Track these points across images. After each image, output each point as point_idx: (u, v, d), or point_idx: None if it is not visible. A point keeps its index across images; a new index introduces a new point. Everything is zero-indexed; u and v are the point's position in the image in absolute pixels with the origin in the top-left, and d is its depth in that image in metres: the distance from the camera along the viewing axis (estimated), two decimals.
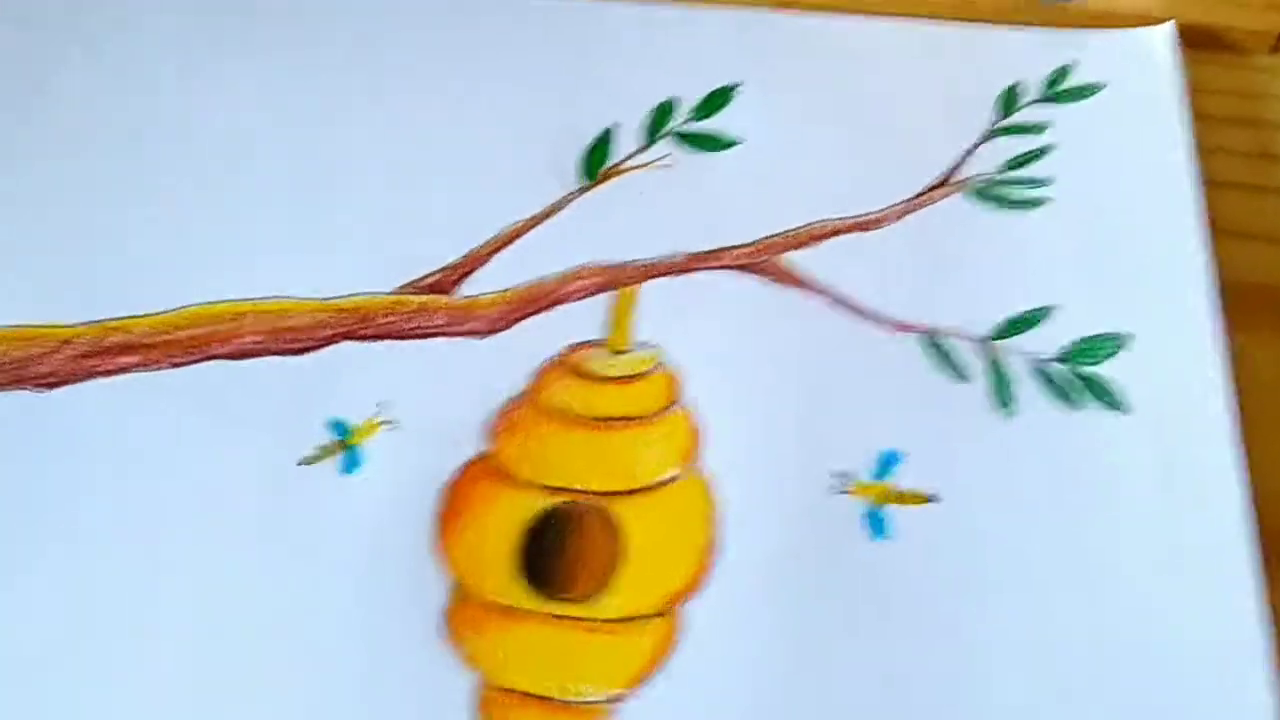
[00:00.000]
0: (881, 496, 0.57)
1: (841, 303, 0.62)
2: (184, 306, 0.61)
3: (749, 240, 0.66)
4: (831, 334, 0.61)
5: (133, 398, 0.59)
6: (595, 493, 0.56)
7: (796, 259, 0.64)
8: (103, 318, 0.63)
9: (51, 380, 0.62)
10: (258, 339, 0.62)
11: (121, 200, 0.66)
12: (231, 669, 0.53)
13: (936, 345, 0.61)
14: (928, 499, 0.57)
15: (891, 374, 0.60)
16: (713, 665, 0.52)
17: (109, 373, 0.62)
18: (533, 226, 0.65)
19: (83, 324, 0.63)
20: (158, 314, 0.61)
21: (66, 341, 0.63)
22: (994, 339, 0.61)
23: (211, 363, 0.60)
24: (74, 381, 0.62)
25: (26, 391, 0.62)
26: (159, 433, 0.58)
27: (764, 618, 0.54)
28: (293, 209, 0.65)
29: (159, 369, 0.60)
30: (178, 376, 0.60)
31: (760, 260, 0.65)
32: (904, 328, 0.62)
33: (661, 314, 0.62)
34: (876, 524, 0.56)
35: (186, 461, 0.57)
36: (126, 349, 0.63)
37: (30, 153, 0.68)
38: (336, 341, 0.62)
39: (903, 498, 0.57)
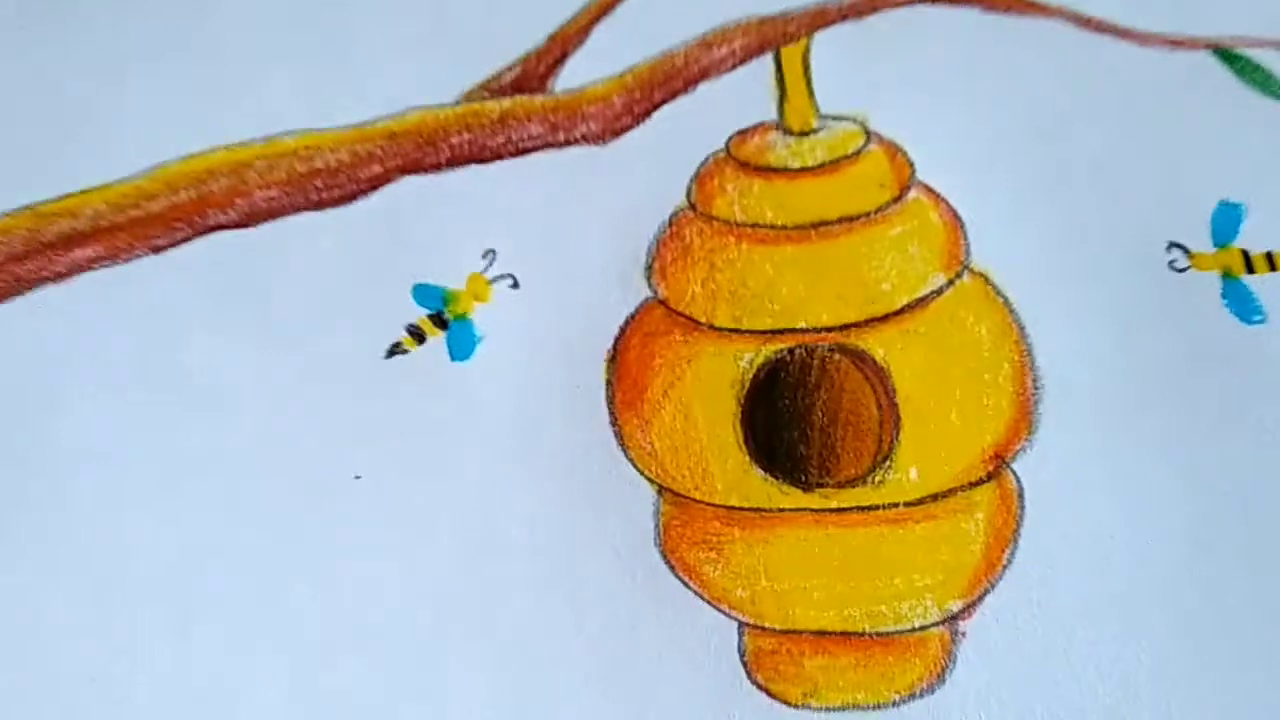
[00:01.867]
0: (1236, 265, 0.42)
1: (1092, 24, 0.46)
2: (155, 167, 0.44)
3: None
4: (1092, 63, 0.46)
5: (101, 304, 0.43)
6: (831, 328, 0.41)
7: None
8: (40, 199, 0.44)
9: None
10: (273, 193, 0.44)
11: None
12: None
13: (1234, 58, 0.45)
14: None
15: (1190, 101, 0.44)
16: (1078, 544, 0.37)
17: (59, 275, 0.41)
18: None
19: (9, 212, 0.44)
20: (117, 183, 0.44)
21: None
22: None
23: (212, 236, 0.44)
24: (12, 294, 0.42)
25: None
26: (153, 345, 0.42)
27: (1127, 466, 0.39)
28: (296, 11, 0.47)
29: (134, 257, 0.44)
30: (167, 262, 0.43)
31: None
32: (1183, 43, 0.45)
33: (848, 72, 0.45)
34: (1242, 301, 0.41)
35: (210, 382, 0.42)
36: (78, 238, 0.44)
37: None
38: (393, 178, 0.44)
39: (1265, 263, 0.42)
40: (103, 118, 0.45)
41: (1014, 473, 0.39)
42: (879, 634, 0.37)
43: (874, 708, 0.36)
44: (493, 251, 0.42)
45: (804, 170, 0.43)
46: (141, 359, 0.41)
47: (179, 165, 0.44)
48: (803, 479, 0.39)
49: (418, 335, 0.41)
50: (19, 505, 0.40)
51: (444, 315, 0.41)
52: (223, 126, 0.45)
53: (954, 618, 0.37)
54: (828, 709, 0.36)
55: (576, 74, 0.46)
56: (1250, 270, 0.42)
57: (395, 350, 0.41)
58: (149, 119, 0.45)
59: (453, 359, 0.41)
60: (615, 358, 0.41)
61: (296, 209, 0.44)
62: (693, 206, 0.43)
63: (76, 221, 0.44)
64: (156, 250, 0.43)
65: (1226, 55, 0.46)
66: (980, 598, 0.37)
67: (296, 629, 0.37)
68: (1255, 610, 0.36)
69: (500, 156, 0.45)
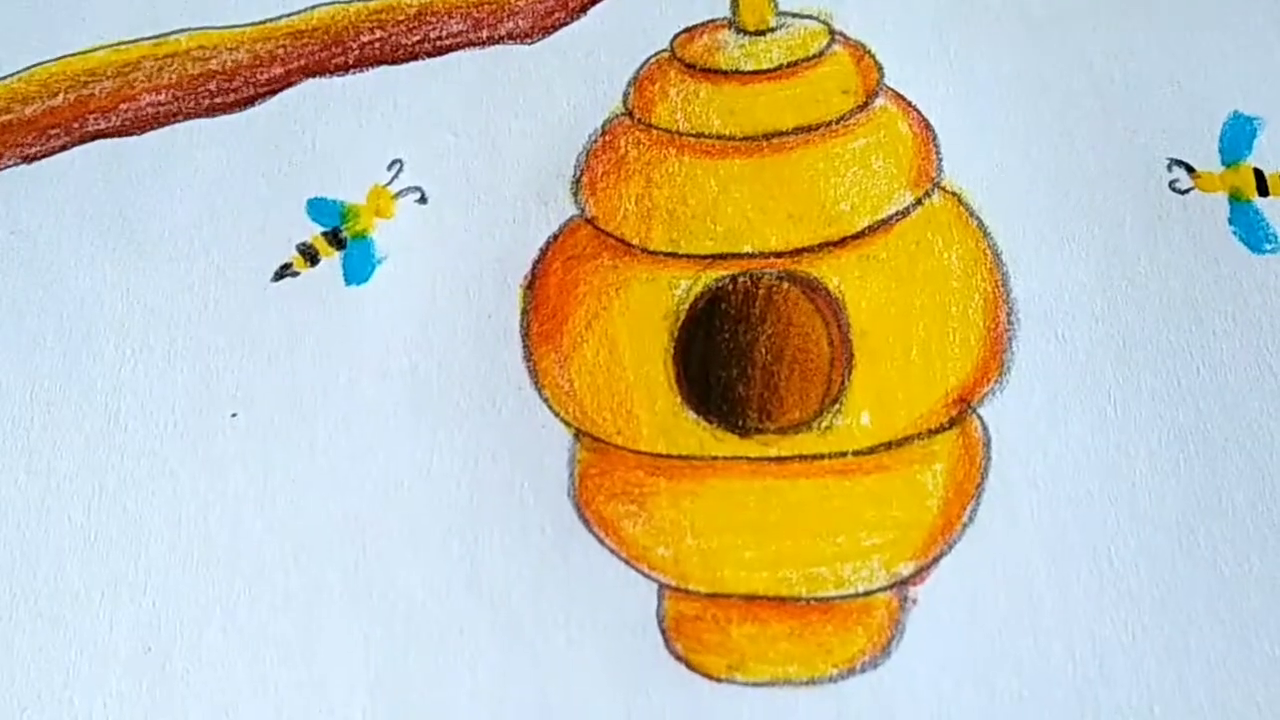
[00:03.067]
0: (1247, 186, 0.37)
1: None
2: (30, 67, 0.40)
3: None
4: None
5: None
6: (780, 253, 0.36)
7: None
8: None
9: None
10: (162, 98, 0.40)
11: None
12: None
13: None
14: None
15: None
16: (1049, 502, 0.33)
17: None
18: None
19: None
20: None
21: None
22: None
23: (95, 145, 0.39)
24: None
25: None
26: (18, 263, 0.38)
27: (1111, 414, 0.34)
28: None
29: (3, 168, 0.39)
30: (41, 173, 0.39)
31: None
32: None
33: None
34: (1252, 228, 0.37)
35: (78, 305, 0.37)
36: None
37: None
38: (296, 81, 0.40)
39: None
40: None
41: (980, 419, 0.34)
42: (817, 599, 0.33)
43: (808, 683, 0.32)
44: (399, 162, 0.38)
45: (758, 73, 0.39)
46: (4, 278, 0.37)
47: (57, 65, 0.41)
48: (740, 423, 0.34)
49: (310, 255, 0.37)
50: None
51: (341, 233, 0.37)
52: (107, 23, 0.40)
53: (904, 582, 0.33)
54: (755, 684, 0.32)
55: None
56: (1264, 193, 0.37)
57: (284, 272, 0.37)
58: (22, 12, 0.40)
59: (348, 282, 0.37)
60: (533, 284, 0.36)
61: (187, 115, 0.40)
62: (630, 114, 0.39)
63: None
64: (28, 160, 0.39)
65: None
66: (935, 560, 0.33)
67: (160, 579, 0.33)
68: (1248, 581, 0.32)
69: (415, 57, 0.40)
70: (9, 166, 0.39)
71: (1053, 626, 0.32)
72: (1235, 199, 0.37)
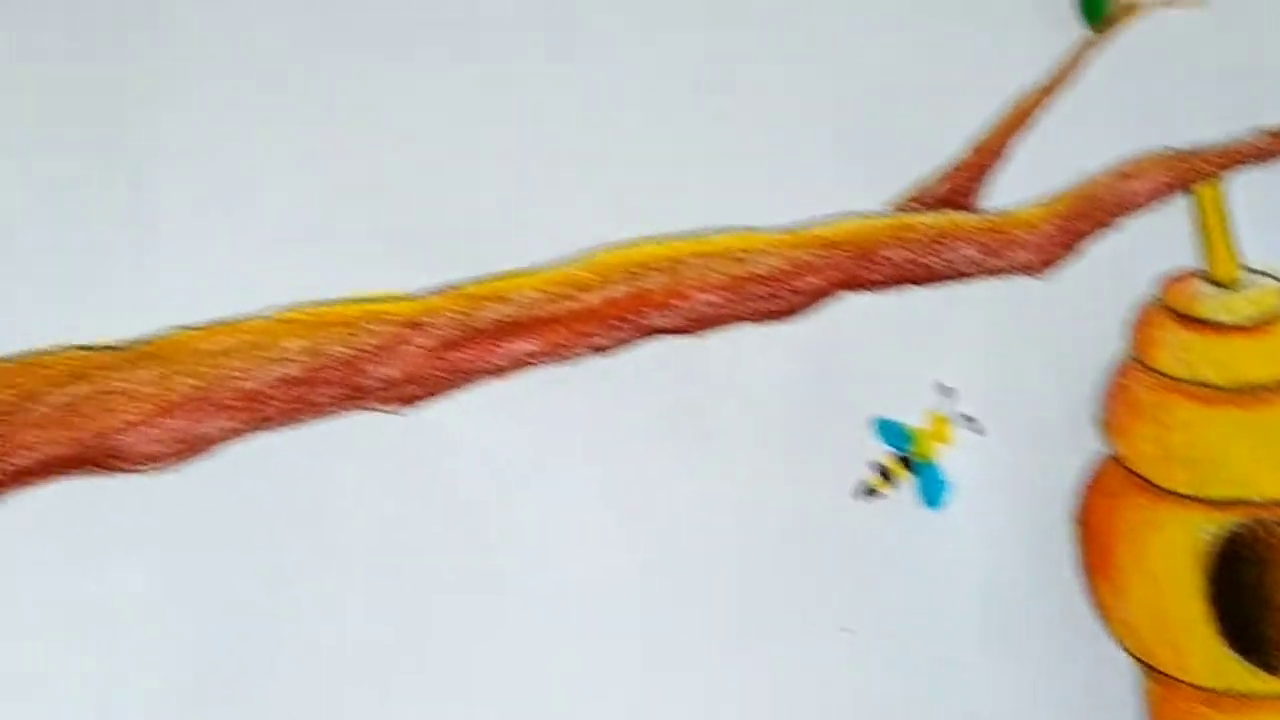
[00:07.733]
0: None
1: None
2: (581, 252, 0.40)
3: None
4: None
5: (543, 411, 0.39)
6: (1276, 502, 0.40)
7: None
8: (458, 279, 0.40)
9: (407, 391, 0.38)
10: (713, 297, 0.41)
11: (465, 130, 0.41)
12: None
13: None
14: None
15: None
16: None
17: (500, 369, 0.38)
18: (1048, 95, 0.44)
19: (432, 291, 0.39)
20: (546, 267, 0.40)
21: (414, 323, 0.39)
22: None
23: (652, 340, 0.40)
24: (442, 389, 0.39)
25: (375, 411, 0.38)
26: (597, 455, 0.39)
27: None
28: (711, 126, 0.42)
29: (575, 356, 0.40)
30: (608, 369, 0.40)
31: None
32: None
33: (1255, 219, 0.44)
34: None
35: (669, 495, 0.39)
36: (515, 328, 0.40)
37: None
38: (831, 292, 0.41)
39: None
40: (530, 200, 0.41)
41: None
42: None
43: None
44: (951, 389, 0.41)
45: (1233, 327, 0.43)
46: (586, 469, 0.39)
47: (609, 254, 0.41)
48: (1271, 662, 0.39)
49: (887, 475, 0.39)
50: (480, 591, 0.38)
51: (910, 456, 0.40)
52: (649, 217, 0.42)
53: None
54: None
55: (1004, 190, 0.44)
56: None
57: (871, 492, 0.39)
58: (573, 204, 0.41)
59: (926, 505, 0.39)
60: (1080, 518, 0.40)
61: (737, 318, 0.41)
62: (1135, 357, 0.42)
63: (508, 307, 0.40)
64: (598, 350, 0.40)
65: None
66: None
67: None
68: None
69: (936, 278, 0.43)
70: (580, 355, 0.40)
71: None
72: None
